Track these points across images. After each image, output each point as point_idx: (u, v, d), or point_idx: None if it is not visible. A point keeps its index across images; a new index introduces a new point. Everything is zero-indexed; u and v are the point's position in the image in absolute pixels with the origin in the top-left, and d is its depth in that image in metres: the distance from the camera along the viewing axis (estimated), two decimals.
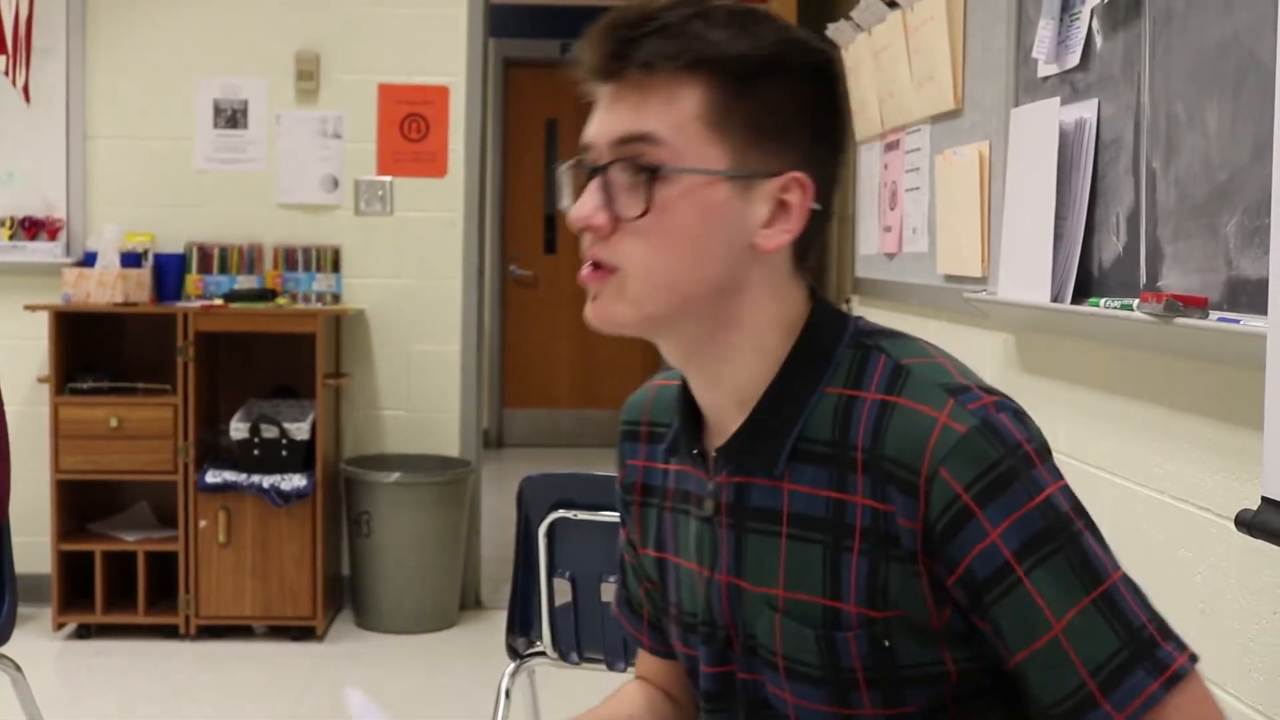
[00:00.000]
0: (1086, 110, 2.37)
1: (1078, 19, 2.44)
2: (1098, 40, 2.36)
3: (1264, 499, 1.59)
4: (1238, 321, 1.79)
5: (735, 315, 1.25)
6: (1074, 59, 2.44)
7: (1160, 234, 2.11)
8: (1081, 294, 2.36)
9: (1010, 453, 1.16)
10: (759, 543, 1.26)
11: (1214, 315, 1.87)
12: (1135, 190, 2.20)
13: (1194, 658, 1.15)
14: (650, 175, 1.20)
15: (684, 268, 1.21)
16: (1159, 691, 1.13)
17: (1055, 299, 2.41)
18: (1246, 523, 1.60)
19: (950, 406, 1.17)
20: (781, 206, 1.23)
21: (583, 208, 1.23)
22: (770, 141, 1.22)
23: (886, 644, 1.19)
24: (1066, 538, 1.15)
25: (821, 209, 1.26)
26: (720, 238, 1.22)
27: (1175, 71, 2.09)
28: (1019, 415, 1.19)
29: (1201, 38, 2.00)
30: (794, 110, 1.23)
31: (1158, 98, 2.14)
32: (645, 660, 1.53)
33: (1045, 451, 1.19)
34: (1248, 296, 1.84)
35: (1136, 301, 2.04)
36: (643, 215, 1.20)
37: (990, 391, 1.21)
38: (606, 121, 1.23)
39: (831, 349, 1.25)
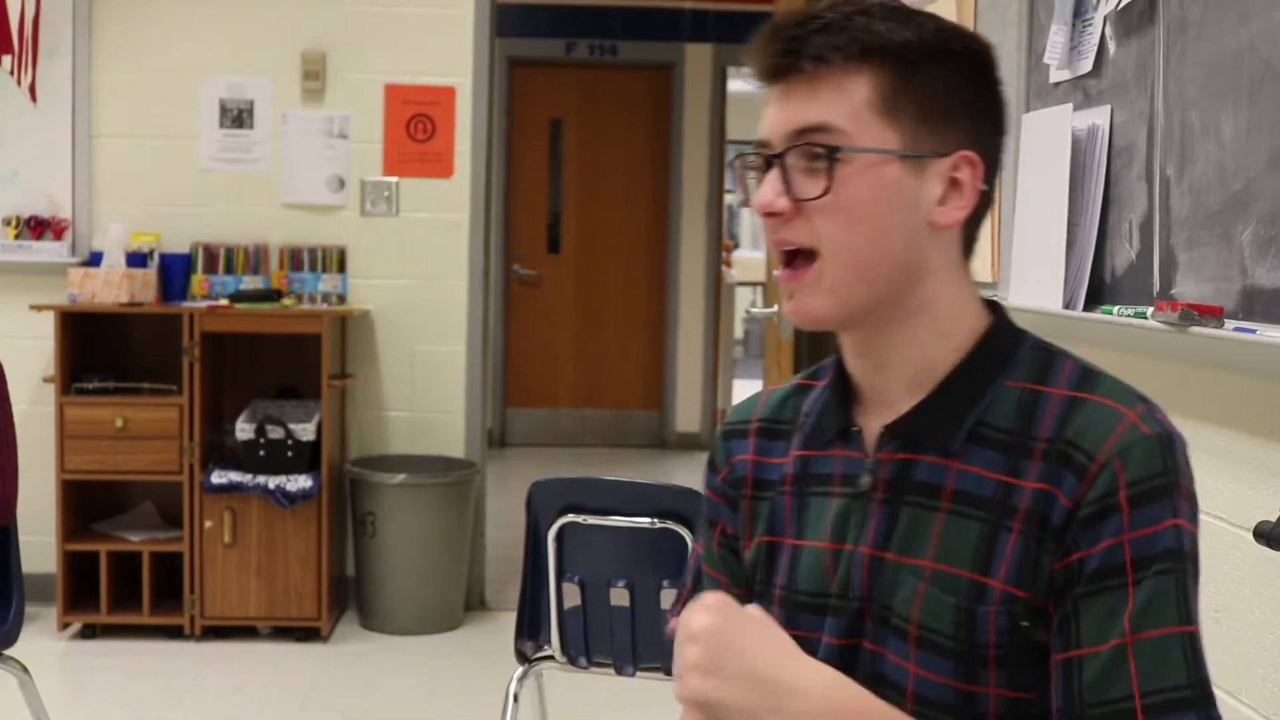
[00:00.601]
0: (1099, 117, 2.37)
1: (1090, 25, 2.43)
2: (1111, 46, 2.36)
3: None
4: (1254, 332, 1.79)
5: (922, 298, 1.30)
6: (1087, 65, 2.44)
7: (1174, 242, 2.11)
8: (1094, 301, 2.36)
9: (1175, 472, 1.21)
10: (914, 515, 1.29)
11: (1229, 325, 1.86)
12: (1148, 197, 2.20)
13: None
14: (830, 156, 1.25)
15: (868, 242, 1.27)
16: None
17: (1067, 306, 2.41)
18: (1266, 535, 1.60)
19: (1141, 410, 1.23)
20: (954, 185, 1.29)
21: (764, 194, 1.29)
22: (938, 123, 1.28)
23: (1025, 624, 1.22)
24: (1180, 570, 1.19)
25: (987, 190, 1.32)
26: (898, 213, 1.27)
27: (1189, 79, 2.08)
28: (1187, 453, 1.25)
29: (1216, 46, 2.00)
30: (958, 93, 1.29)
31: (1172, 105, 2.13)
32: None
33: (1195, 497, 1.24)
34: (1263, 306, 1.84)
35: (1151, 310, 2.04)
36: (824, 195, 1.26)
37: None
38: (781, 116, 1.29)
39: (1013, 349, 1.32)
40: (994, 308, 1.35)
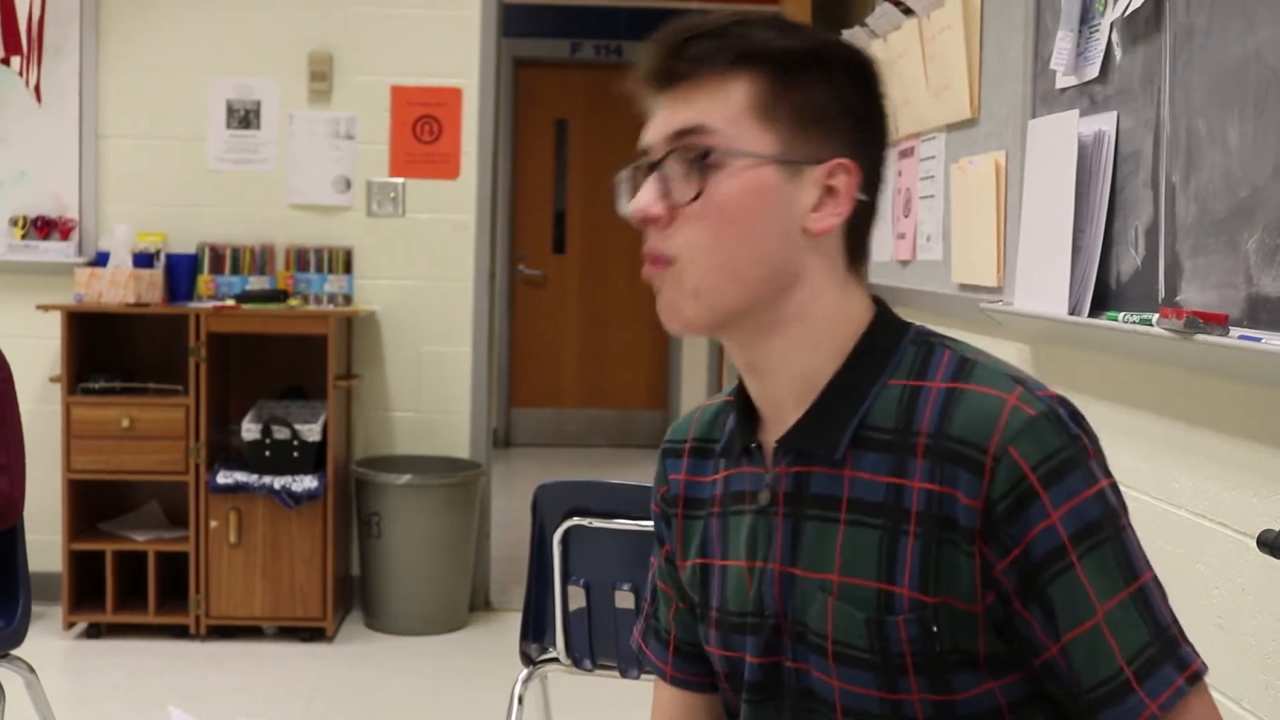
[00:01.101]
0: (1105, 123, 2.37)
1: (1097, 31, 2.44)
2: (1117, 53, 2.36)
3: None
4: (1259, 340, 1.79)
5: (797, 307, 1.29)
6: (1093, 71, 2.44)
7: (1179, 249, 2.11)
8: (1099, 307, 2.36)
9: (1072, 441, 1.21)
10: (816, 530, 1.29)
11: (1234, 332, 1.87)
12: (1154, 204, 2.20)
13: (1204, 664, 1.22)
14: (702, 160, 1.26)
15: (739, 248, 1.27)
16: (1184, 686, 1.18)
17: (1073, 311, 2.41)
18: (1269, 544, 1.60)
19: (1019, 392, 1.23)
20: (829, 192, 1.29)
21: (640, 199, 1.29)
22: (816, 130, 1.28)
23: (935, 629, 1.22)
24: (1113, 530, 1.21)
25: (869, 200, 1.32)
26: (772, 219, 1.27)
27: (1196, 86, 2.09)
28: (1076, 413, 1.25)
29: (1223, 53, 2.00)
30: (836, 101, 1.29)
31: (1178, 112, 2.14)
32: (663, 708, 1.53)
33: (1098, 449, 1.24)
34: (1268, 314, 1.84)
35: (1156, 316, 2.04)
36: (696, 198, 1.26)
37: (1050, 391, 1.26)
38: (661, 121, 1.30)
39: (893, 345, 1.31)
40: (878, 305, 1.34)
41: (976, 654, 1.23)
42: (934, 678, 1.23)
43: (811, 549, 1.29)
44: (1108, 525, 1.20)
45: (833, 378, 1.30)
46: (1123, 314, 2.22)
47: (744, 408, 1.37)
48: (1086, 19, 2.48)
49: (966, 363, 1.27)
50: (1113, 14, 2.36)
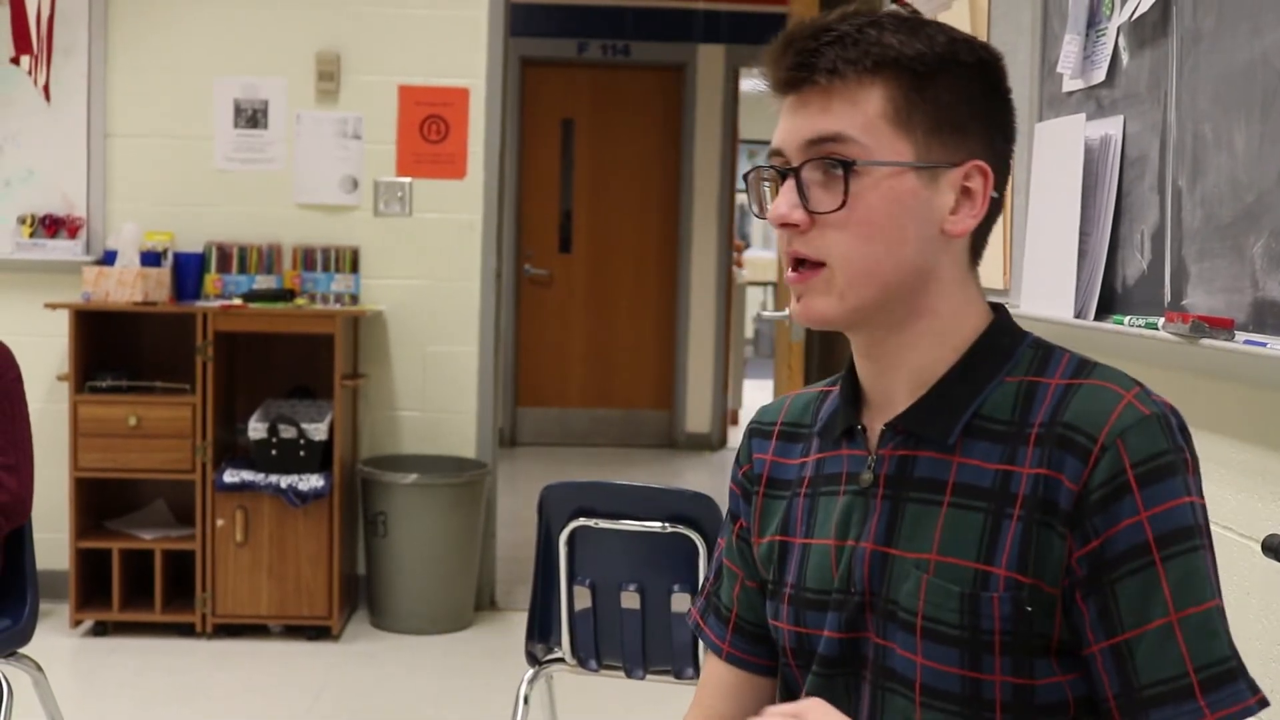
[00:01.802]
0: (1112, 127, 2.38)
1: (1104, 35, 2.44)
2: (1124, 57, 2.37)
3: None
4: (1264, 345, 1.79)
5: (928, 303, 1.33)
6: (1100, 75, 2.44)
7: (1185, 253, 2.12)
8: (1105, 311, 2.37)
9: (1177, 449, 1.24)
10: (916, 511, 1.32)
11: (1240, 337, 1.87)
12: (1160, 208, 2.21)
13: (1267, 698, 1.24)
14: (846, 170, 1.28)
15: (882, 254, 1.29)
16: (1254, 707, 1.21)
17: (1079, 315, 2.41)
18: (1274, 548, 1.61)
19: (1137, 391, 1.26)
20: (965, 194, 1.32)
21: (779, 206, 1.32)
22: (950, 133, 1.31)
23: (1029, 609, 1.24)
24: (1203, 545, 1.23)
25: (998, 198, 1.35)
26: (912, 224, 1.30)
27: (1202, 91, 2.09)
28: (1185, 427, 1.27)
29: (1230, 58, 2.00)
30: (969, 103, 1.32)
31: (1184, 117, 2.14)
32: (711, 688, 1.54)
33: (1198, 468, 1.26)
34: (1274, 319, 1.84)
35: (1161, 321, 2.05)
36: (840, 208, 1.28)
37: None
38: (795, 127, 1.32)
39: (1013, 348, 1.35)
40: (998, 310, 1.38)
41: (1053, 640, 1.25)
42: (1018, 660, 1.25)
43: (910, 529, 1.31)
44: (1196, 538, 1.22)
45: (951, 369, 1.33)
46: (1128, 318, 2.22)
47: (851, 392, 1.41)
48: (1093, 23, 2.49)
49: (1087, 363, 1.31)
50: (1120, 18, 2.36)
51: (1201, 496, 1.25)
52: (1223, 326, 1.89)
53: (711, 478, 7.82)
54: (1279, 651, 1.87)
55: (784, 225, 1.31)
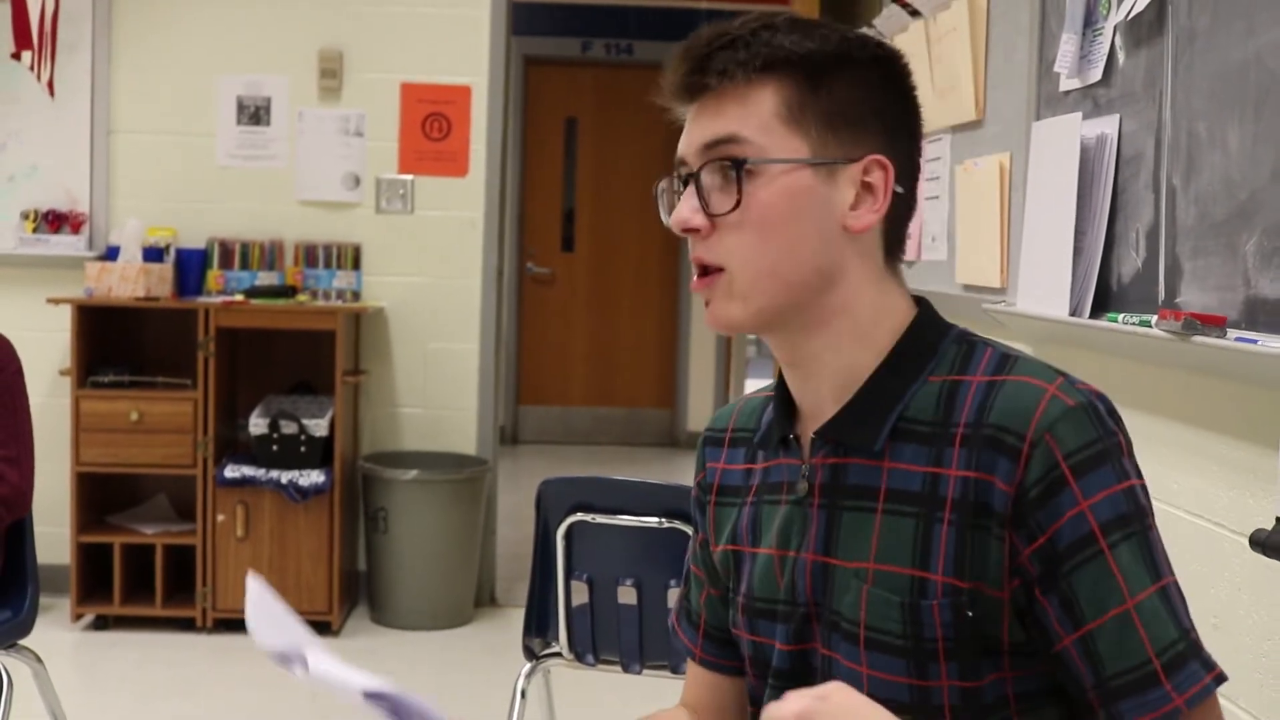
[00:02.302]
0: (1108, 126, 2.39)
1: (1100, 34, 2.45)
2: (1120, 56, 2.38)
3: (1278, 519, 1.61)
4: (1256, 342, 1.81)
5: (839, 302, 1.32)
6: (1096, 74, 2.46)
7: (1179, 251, 2.13)
8: (1100, 308, 2.38)
9: (1108, 435, 1.24)
10: (852, 520, 1.32)
11: (1232, 334, 1.88)
12: (1155, 207, 2.22)
13: (1223, 670, 1.24)
14: (738, 170, 1.28)
15: (782, 253, 1.29)
16: (1210, 684, 1.21)
17: (1074, 312, 2.43)
18: (1261, 542, 1.62)
19: (1060, 382, 1.26)
20: (866, 189, 1.31)
21: (680, 211, 1.32)
22: (847, 130, 1.30)
23: (969, 614, 1.25)
24: (1142, 526, 1.23)
25: (904, 193, 1.34)
26: (811, 221, 1.30)
27: (1197, 90, 2.10)
28: (1113, 410, 1.27)
29: (1224, 57, 2.02)
30: (864, 99, 1.32)
31: (1179, 115, 2.15)
32: (692, 684, 1.57)
33: (1131, 448, 1.26)
34: (1265, 316, 1.85)
35: (1155, 318, 2.06)
36: (735, 208, 1.29)
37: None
38: (693, 133, 1.33)
39: (936, 344, 1.34)
40: (920, 304, 1.37)
41: (1001, 641, 1.25)
42: (963, 664, 1.26)
43: (848, 539, 1.31)
44: (1137, 520, 1.23)
45: (874, 373, 1.32)
46: (1123, 315, 2.23)
47: (783, 401, 1.40)
48: (1090, 22, 2.50)
49: (1008, 358, 1.30)
50: (1116, 17, 2.37)
51: (1139, 476, 1.25)
52: (1215, 324, 1.91)
53: None
54: (1268, 646, 1.88)
55: (686, 230, 1.32)
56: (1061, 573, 1.22)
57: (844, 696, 1.16)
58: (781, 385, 1.41)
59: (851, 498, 1.32)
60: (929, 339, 1.34)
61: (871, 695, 1.26)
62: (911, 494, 1.28)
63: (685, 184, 1.32)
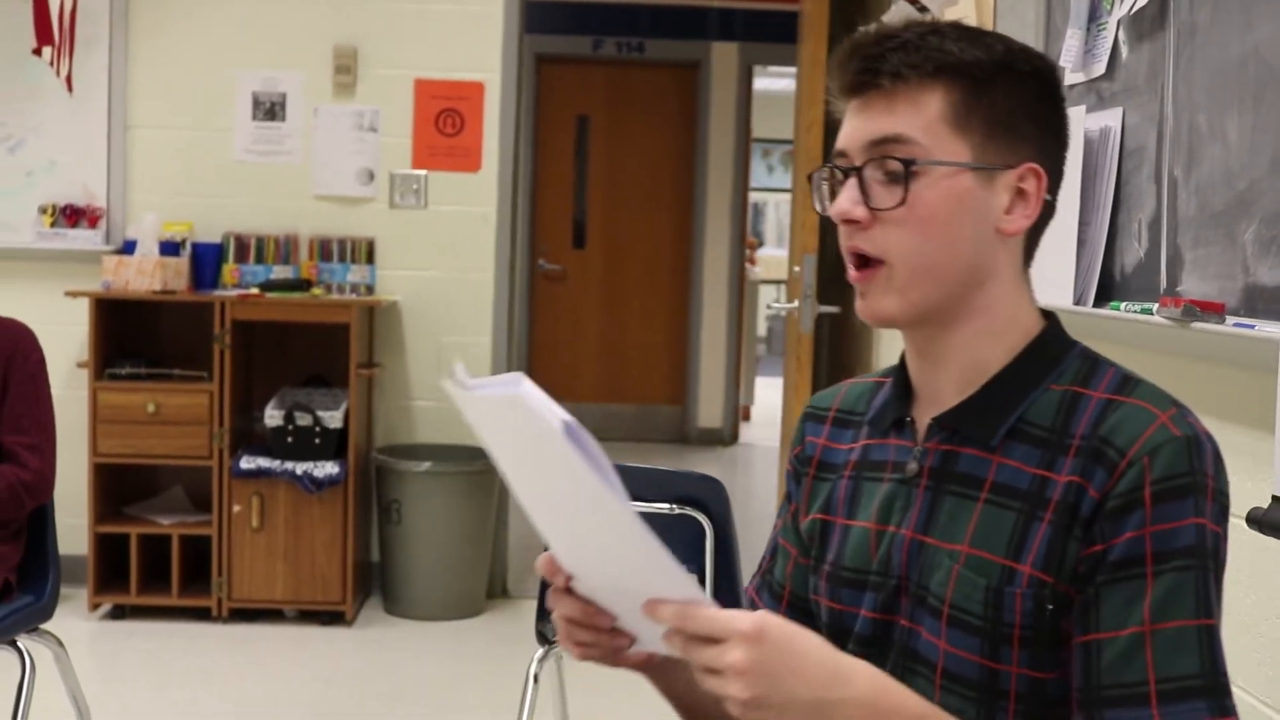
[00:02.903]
0: (1111, 119, 2.43)
1: (1104, 29, 2.49)
2: (1123, 51, 2.42)
3: (1274, 498, 1.65)
4: (1253, 327, 1.85)
5: (983, 301, 1.39)
6: (1100, 68, 2.50)
7: (1180, 241, 2.17)
8: (1104, 298, 2.42)
9: (1200, 473, 1.28)
10: (954, 504, 1.38)
11: (1230, 321, 1.93)
12: (1157, 198, 2.26)
13: None
14: (906, 169, 1.34)
15: (939, 251, 1.36)
16: None
17: (1078, 302, 2.47)
18: (1257, 520, 1.66)
19: (1173, 413, 1.31)
20: (1019, 195, 1.38)
21: (842, 203, 1.38)
22: (1006, 137, 1.37)
23: (1050, 607, 1.30)
24: (1201, 566, 1.26)
25: (1050, 201, 1.41)
26: (968, 222, 1.36)
27: (1198, 83, 2.14)
28: (1219, 457, 1.31)
29: (1224, 51, 2.06)
30: (1023, 108, 1.38)
31: (1180, 108, 2.19)
32: None
33: (1223, 499, 1.30)
34: (1264, 303, 1.90)
35: (1156, 306, 2.10)
36: (899, 205, 1.35)
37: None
38: (859, 128, 1.38)
39: (1061, 355, 1.40)
40: (1049, 316, 1.44)
41: (1066, 636, 1.30)
42: (1035, 654, 1.31)
43: (947, 521, 1.37)
44: (1197, 557, 1.25)
45: (1001, 371, 1.39)
46: (1125, 304, 2.28)
47: (902, 386, 1.47)
48: (1094, 17, 2.54)
49: (1130, 380, 1.36)
50: (1119, 12, 2.41)
51: (1217, 524, 1.28)
52: (1214, 310, 1.95)
53: (723, 473, 7.86)
54: (1266, 627, 1.92)
55: (846, 221, 1.38)
56: (1097, 582, 1.27)
57: (778, 632, 1.19)
58: (902, 370, 1.47)
59: (958, 484, 1.38)
60: (1055, 350, 1.40)
61: (945, 668, 1.35)
62: (1018, 491, 1.34)
63: (846, 176, 1.38)
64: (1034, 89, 1.39)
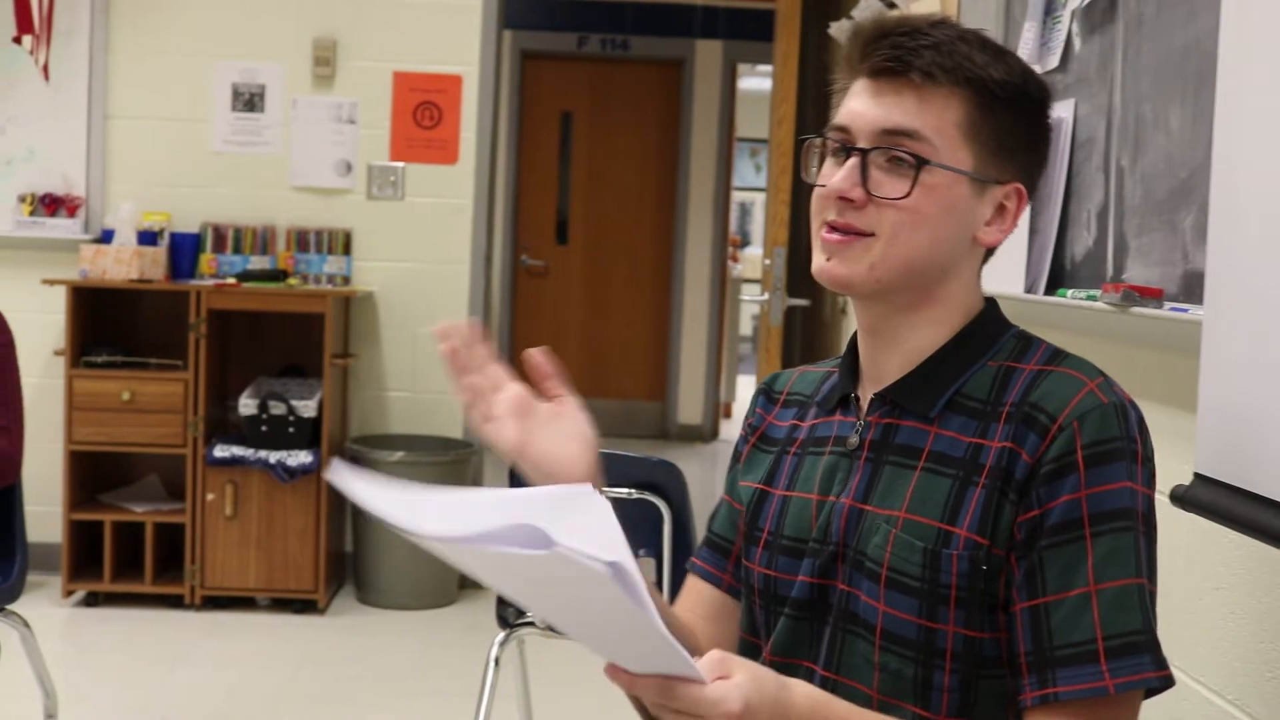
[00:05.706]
0: (1064, 110, 2.46)
1: (1059, 21, 2.52)
2: (1076, 43, 2.45)
3: (1196, 475, 1.69)
4: (1186, 310, 1.88)
5: (940, 293, 1.46)
6: (1054, 60, 2.53)
7: (1126, 229, 2.20)
8: (1055, 286, 2.45)
9: (1129, 439, 1.35)
10: (892, 473, 1.44)
11: (1168, 306, 1.96)
12: (1105, 187, 2.29)
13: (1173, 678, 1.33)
14: (919, 165, 1.40)
15: (925, 245, 1.42)
16: (1154, 681, 1.30)
17: (1029, 290, 2.50)
18: (1180, 497, 1.69)
19: (1100, 381, 1.38)
20: (1000, 210, 1.46)
21: (842, 181, 1.42)
22: (1006, 154, 1.45)
23: (984, 568, 1.35)
24: (1133, 526, 1.33)
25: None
26: (953, 226, 1.44)
27: (1144, 73, 2.17)
28: (1144, 424, 1.39)
29: (1168, 42, 2.09)
30: (1023, 131, 1.46)
31: (1128, 99, 2.23)
32: (691, 599, 1.65)
33: (1150, 464, 1.37)
34: (1202, 289, 1.93)
35: (1099, 292, 2.13)
36: (905, 197, 1.40)
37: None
38: (873, 112, 1.43)
39: (998, 335, 1.48)
40: (989, 302, 1.51)
41: (999, 599, 1.36)
42: (970, 614, 1.36)
43: (885, 489, 1.43)
44: (1131, 519, 1.32)
45: (940, 348, 1.46)
46: (1071, 291, 2.31)
47: (850, 366, 1.54)
48: (1050, 10, 2.57)
49: (1060, 353, 1.44)
50: (1073, 4, 2.44)
51: (1147, 488, 1.35)
52: (1152, 296, 1.98)
53: (703, 468, 7.91)
54: (1202, 605, 1.95)
55: (841, 198, 1.42)
56: (1037, 546, 1.32)
57: (765, 713, 1.22)
58: (851, 352, 1.54)
59: (897, 454, 1.44)
60: (992, 330, 1.48)
61: (884, 629, 1.40)
62: (954, 458, 1.40)
63: (847, 155, 1.42)
64: (1035, 115, 1.47)
